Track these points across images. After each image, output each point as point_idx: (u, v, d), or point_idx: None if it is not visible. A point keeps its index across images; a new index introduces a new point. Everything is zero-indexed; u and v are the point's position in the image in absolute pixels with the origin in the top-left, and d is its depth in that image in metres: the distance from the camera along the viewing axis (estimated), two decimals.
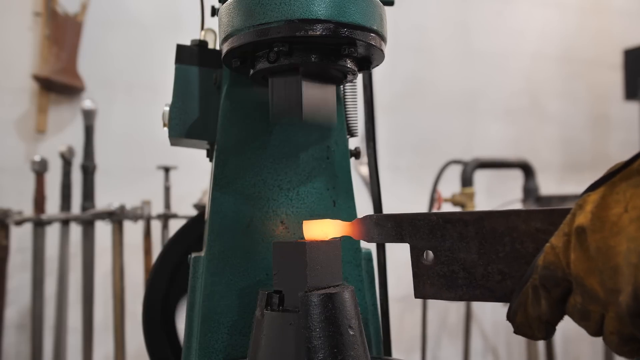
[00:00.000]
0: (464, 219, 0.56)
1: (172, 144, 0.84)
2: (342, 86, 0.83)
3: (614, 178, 0.46)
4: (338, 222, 0.66)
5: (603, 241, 0.43)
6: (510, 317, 0.52)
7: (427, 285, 0.58)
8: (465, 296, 0.56)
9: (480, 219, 0.55)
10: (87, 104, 1.98)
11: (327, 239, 0.65)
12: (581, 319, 0.48)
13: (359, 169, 2.64)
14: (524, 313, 0.51)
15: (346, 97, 0.84)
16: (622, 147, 3.45)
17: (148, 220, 1.91)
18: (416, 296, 0.59)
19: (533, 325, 0.51)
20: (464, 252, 0.55)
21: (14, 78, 2.33)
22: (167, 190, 1.98)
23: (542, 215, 0.52)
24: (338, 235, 0.66)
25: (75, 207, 1.96)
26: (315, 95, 0.67)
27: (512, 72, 3.24)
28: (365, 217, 0.64)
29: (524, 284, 0.50)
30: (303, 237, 0.67)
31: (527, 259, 0.52)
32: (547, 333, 0.51)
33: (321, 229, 0.65)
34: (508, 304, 0.53)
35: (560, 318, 0.50)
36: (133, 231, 2.01)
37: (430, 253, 0.58)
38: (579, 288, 0.46)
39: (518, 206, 2.39)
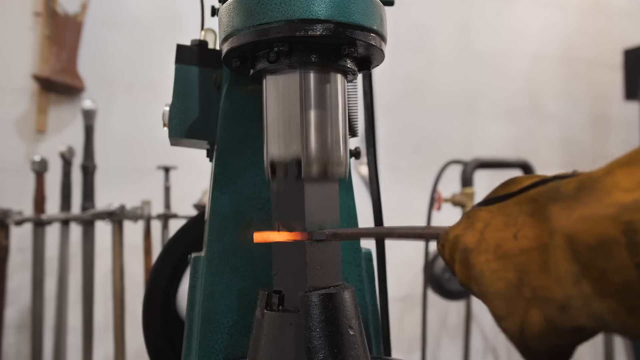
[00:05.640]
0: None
1: (172, 144, 0.84)
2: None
3: (508, 200, 0.45)
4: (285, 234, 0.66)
5: (487, 264, 0.43)
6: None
7: None
8: None
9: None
10: (87, 104, 1.98)
11: None
12: None
13: (359, 169, 2.64)
14: None
15: (346, 96, 0.83)
16: (622, 147, 3.44)
17: (148, 220, 1.91)
18: None
19: None
20: None
21: (14, 78, 2.33)
22: (167, 190, 1.98)
23: None
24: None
25: (75, 207, 1.96)
26: (317, 198, 0.65)
27: (512, 72, 3.24)
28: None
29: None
30: None
31: None
32: None
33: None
34: None
35: None
36: (133, 231, 2.01)
37: None
38: (465, 289, 0.48)
39: None
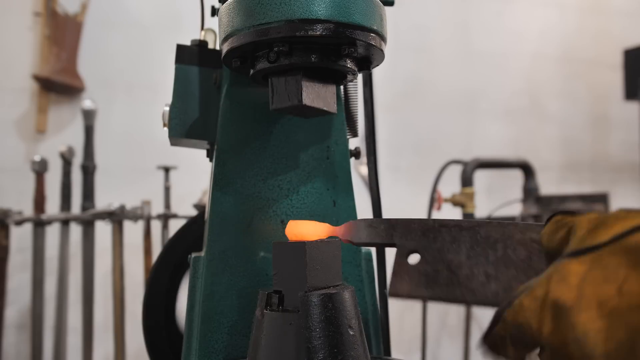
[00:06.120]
0: (461, 224, 0.56)
1: (172, 144, 0.84)
2: (342, 86, 0.83)
3: (601, 250, 0.41)
4: (326, 225, 0.66)
5: (591, 323, 0.39)
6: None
7: (404, 282, 0.57)
8: (442, 295, 0.55)
9: (477, 225, 0.55)
10: (87, 104, 1.98)
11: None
12: None
13: (359, 169, 2.64)
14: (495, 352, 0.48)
15: (347, 97, 0.84)
16: (622, 147, 3.45)
17: (148, 220, 1.91)
18: (390, 293, 0.58)
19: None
20: (453, 254, 0.55)
21: (14, 78, 2.33)
22: (167, 190, 1.98)
23: (539, 228, 0.51)
24: (324, 236, 0.66)
25: (75, 207, 1.96)
26: (314, 87, 0.67)
27: (512, 72, 3.24)
28: (359, 220, 0.64)
29: (491, 328, 0.47)
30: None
31: (517, 265, 0.52)
32: None
33: (308, 230, 0.65)
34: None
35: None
36: (133, 231, 2.01)
37: (417, 254, 0.57)
38: (554, 354, 0.43)
39: (518, 206, 2.39)
